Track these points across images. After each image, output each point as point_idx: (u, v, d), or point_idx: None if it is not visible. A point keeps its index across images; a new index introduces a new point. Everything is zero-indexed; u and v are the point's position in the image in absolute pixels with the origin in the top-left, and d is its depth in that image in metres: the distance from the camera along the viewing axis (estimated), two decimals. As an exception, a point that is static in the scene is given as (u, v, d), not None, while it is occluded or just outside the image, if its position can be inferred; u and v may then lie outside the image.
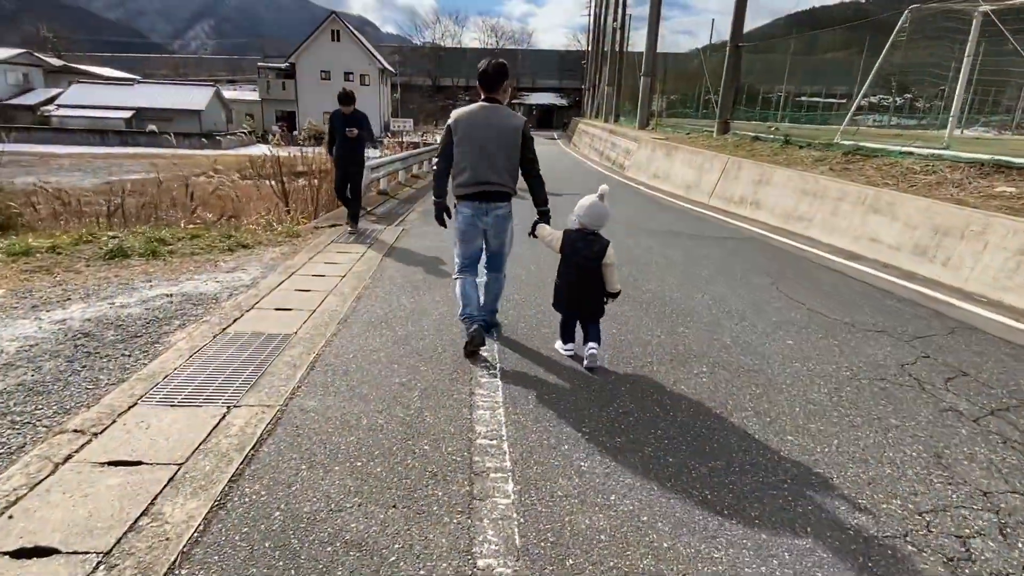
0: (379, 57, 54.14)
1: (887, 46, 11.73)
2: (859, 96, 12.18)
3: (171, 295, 4.75)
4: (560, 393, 3.19)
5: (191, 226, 7.87)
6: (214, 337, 3.83)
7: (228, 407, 2.91)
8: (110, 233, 6.63)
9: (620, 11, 37.82)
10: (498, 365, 3.53)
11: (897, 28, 11.38)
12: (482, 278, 3.96)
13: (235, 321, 4.15)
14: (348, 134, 7.28)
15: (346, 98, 7.36)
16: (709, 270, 6.11)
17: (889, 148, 10.15)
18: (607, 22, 46.14)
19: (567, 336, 3.69)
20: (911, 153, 9.52)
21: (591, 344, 3.46)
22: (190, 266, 5.68)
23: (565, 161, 25.20)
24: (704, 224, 9.22)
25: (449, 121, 3.63)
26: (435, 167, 3.87)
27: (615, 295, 3.49)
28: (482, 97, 3.61)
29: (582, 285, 3.44)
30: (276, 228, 7.86)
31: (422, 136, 44.02)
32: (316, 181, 11.58)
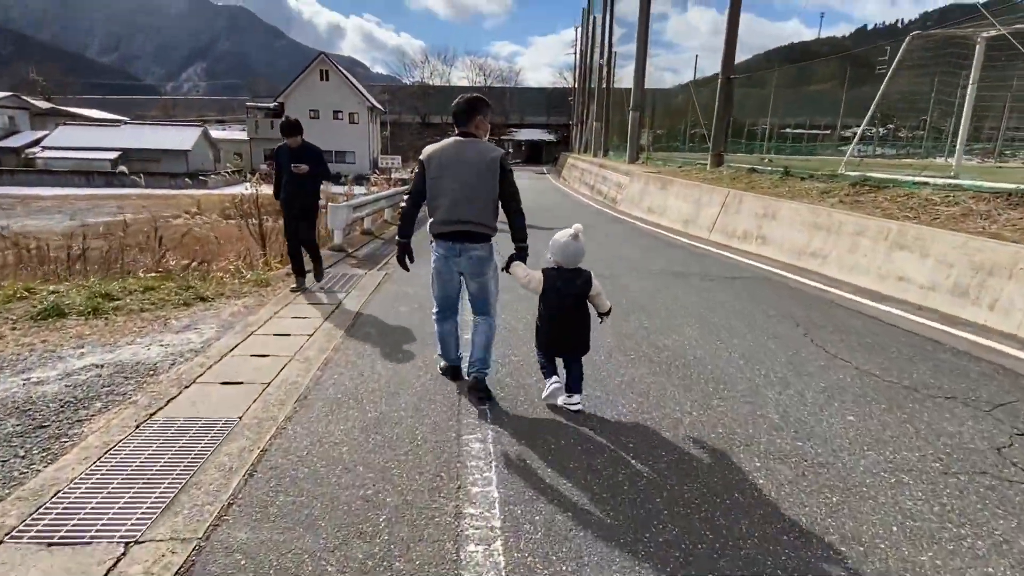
0: (368, 95, 54.33)
1: (888, 74, 11.36)
2: (863, 126, 11.78)
3: (102, 365, 3.98)
4: (582, 512, 2.41)
5: (151, 275, 7.12)
6: (137, 427, 3.06)
7: (126, 544, 2.13)
8: (49, 287, 5.87)
9: (607, 48, 38.11)
10: (493, 464, 2.77)
11: (900, 54, 11.02)
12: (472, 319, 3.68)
13: (169, 402, 3.38)
14: (295, 170, 5.97)
15: (290, 128, 6.04)
16: (729, 318, 5.41)
17: (900, 178, 9.63)
18: (593, 59, 46.65)
19: (550, 370, 3.49)
20: (926, 184, 8.99)
21: (574, 396, 3.36)
22: (135, 326, 4.92)
23: (555, 195, 24.78)
24: (709, 262, 8.58)
25: (421, 157, 3.42)
26: (402, 205, 3.70)
27: (607, 313, 3.42)
28: (456, 132, 3.43)
29: (567, 323, 3.32)
30: (245, 276, 7.13)
31: (411, 172, 43.79)
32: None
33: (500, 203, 3.41)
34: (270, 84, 59.48)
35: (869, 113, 11.62)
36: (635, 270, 7.67)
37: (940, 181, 8.97)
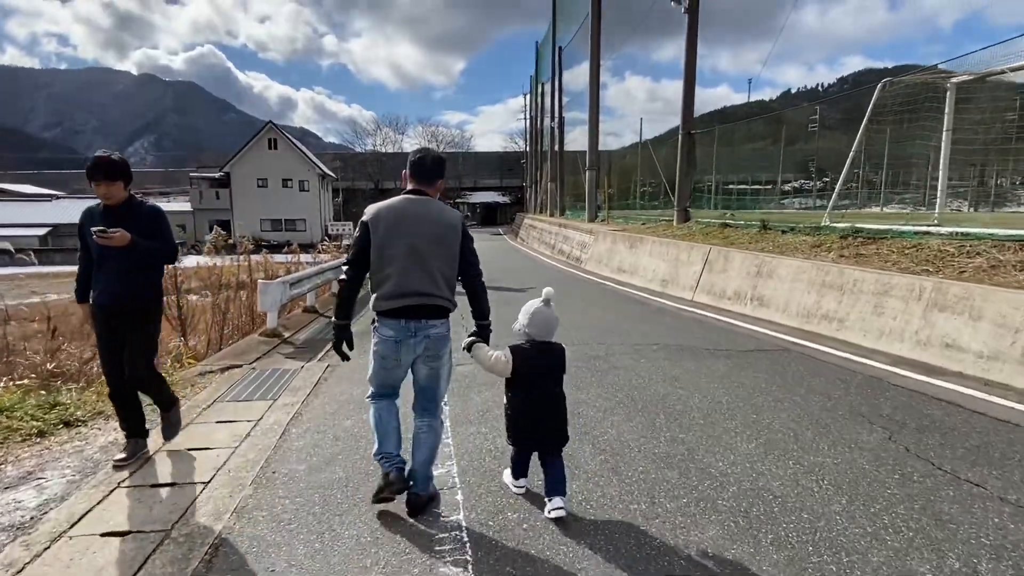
0: (318, 163, 53.45)
1: (863, 124, 10.88)
2: (843, 177, 11.22)
3: None
4: None
5: (17, 383, 5.49)
6: None
7: None
8: None
9: (558, 112, 38.52)
10: None
11: (872, 103, 10.57)
12: (420, 418, 3.02)
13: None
14: (101, 240, 3.21)
15: (104, 171, 3.29)
16: (782, 417, 4.18)
17: (897, 228, 8.89)
18: (543, 123, 47.31)
19: (521, 470, 3.03)
20: (928, 233, 8.24)
21: (557, 500, 2.76)
22: (-57, 479, 3.35)
23: (515, 256, 23.83)
24: (709, 330, 7.46)
25: (365, 217, 2.78)
26: (341, 278, 2.88)
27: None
28: (408, 188, 2.88)
29: (547, 408, 2.83)
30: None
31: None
32: (229, 295, 9.40)
33: (459, 273, 2.90)
34: (218, 154, 57.98)
35: (848, 162, 11.07)
36: (630, 345, 6.45)
37: (945, 230, 8.23)
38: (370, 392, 3.02)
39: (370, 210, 2.82)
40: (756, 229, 11.98)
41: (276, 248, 25.39)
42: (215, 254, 9.52)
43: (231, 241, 10.44)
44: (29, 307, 17.68)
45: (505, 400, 2.90)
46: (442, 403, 3.06)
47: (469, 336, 2.90)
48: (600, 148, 26.60)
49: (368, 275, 2.83)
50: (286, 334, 7.56)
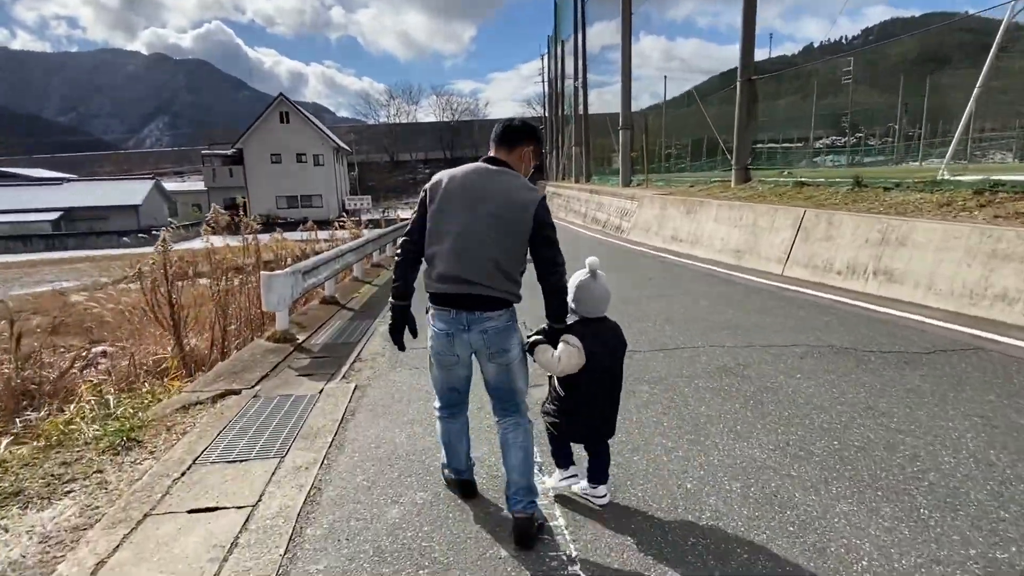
0: (332, 136, 51.72)
1: (991, 54, 8.85)
2: (962, 125, 9.28)
3: None
4: None
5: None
6: None
7: None
8: None
9: (582, 70, 36.16)
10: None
11: (1003, 27, 8.54)
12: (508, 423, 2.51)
13: None
14: None
15: None
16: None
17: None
18: (563, 86, 44.90)
19: (567, 458, 2.65)
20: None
21: (600, 487, 2.56)
22: None
23: (549, 228, 22.05)
24: (841, 319, 5.74)
25: (428, 184, 2.41)
26: (398, 252, 2.44)
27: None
28: (485, 156, 2.44)
29: (610, 394, 2.49)
30: (113, 410, 4.09)
31: (383, 213, 40.92)
32: (231, 284, 7.86)
33: (536, 269, 2.35)
34: (231, 132, 56.53)
35: (972, 101, 9.09)
36: (758, 346, 4.78)
37: None
38: (437, 405, 2.63)
39: (435, 177, 2.44)
40: (846, 187, 10.12)
41: (291, 226, 23.97)
42: (215, 235, 7.95)
43: (241, 219, 8.82)
44: (35, 297, 16.52)
45: (555, 390, 2.53)
46: (524, 400, 2.50)
47: (533, 334, 2.46)
48: (614, 111, 24.59)
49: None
50: (300, 337, 6.00)
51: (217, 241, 9.46)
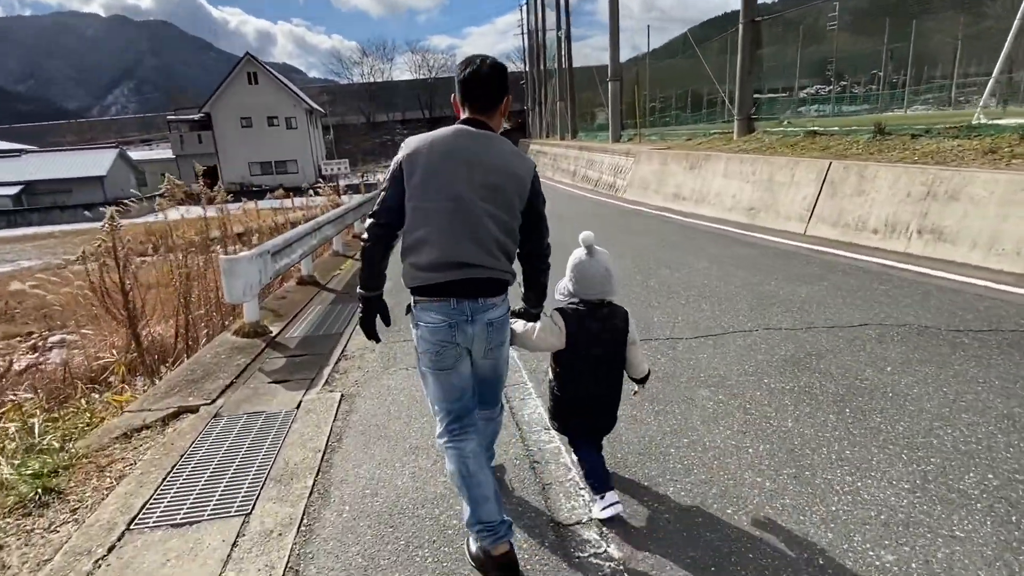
0: (304, 97, 49.46)
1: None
2: (1002, 59, 8.43)
3: None
4: None
5: None
6: None
7: None
8: None
9: (564, 20, 34.50)
10: None
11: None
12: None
13: None
14: None
15: None
16: None
17: None
18: (544, 38, 43.01)
19: (603, 480, 2.20)
20: None
21: (611, 495, 2.17)
22: None
23: (538, 189, 21.04)
24: (896, 286, 5.00)
25: (401, 153, 1.97)
26: (366, 233, 2.01)
27: (645, 380, 2.32)
28: (462, 117, 2.02)
29: (602, 386, 2.22)
30: (37, 439, 3.24)
31: (362, 177, 39.32)
32: (201, 261, 6.91)
33: (521, 244, 2.07)
34: (199, 96, 53.97)
35: (1012, 34, 8.21)
36: (820, 327, 4.01)
37: None
38: (441, 428, 2.05)
39: (408, 144, 1.97)
40: (867, 136, 9.28)
41: (261, 194, 22.67)
42: (170, 208, 6.97)
43: (201, 189, 7.80)
44: (-8, 278, 15.31)
45: (551, 378, 2.28)
46: (503, 393, 2.27)
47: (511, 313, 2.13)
48: (594, 65, 23.36)
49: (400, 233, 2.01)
50: (273, 329, 5.13)
51: (181, 214, 8.47)
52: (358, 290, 2.11)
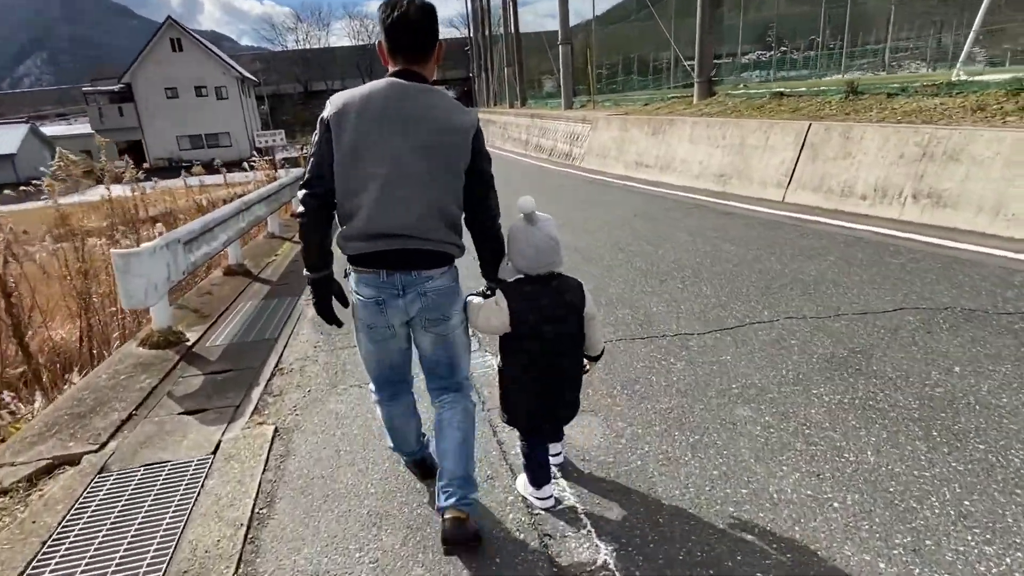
0: (235, 65, 46.33)
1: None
2: (978, 20, 8.03)
3: None
4: None
5: None
6: None
7: None
8: None
9: (509, -21, 33.07)
10: None
11: None
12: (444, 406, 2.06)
13: None
14: None
15: None
16: None
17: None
18: (488, 2, 41.40)
19: (542, 473, 2.08)
20: None
21: (554, 446, 2.24)
22: None
23: (490, 159, 20.10)
24: (908, 259, 4.48)
25: (326, 112, 1.77)
26: (300, 206, 1.84)
27: (598, 358, 2.10)
28: (392, 70, 1.81)
29: (557, 368, 1.97)
30: None
31: (302, 149, 37.23)
32: (104, 252, 5.80)
33: (467, 208, 1.92)
34: (118, 66, 49.85)
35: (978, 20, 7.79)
36: (837, 315, 3.42)
37: None
38: (373, 389, 2.10)
39: (334, 101, 1.77)
40: (839, 96, 8.82)
41: (176, 171, 20.85)
42: (61, 191, 5.83)
43: (103, 165, 6.64)
44: None
45: (499, 362, 2.03)
46: (466, 378, 2.06)
47: (474, 294, 2.01)
48: (540, 31, 22.43)
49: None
50: (191, 335, 4.19)
51: (101, 195, 7.26)
52: (304, 272, 1.92)
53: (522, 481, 2.17)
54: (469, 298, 2.01)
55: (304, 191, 1.80)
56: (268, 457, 2.54)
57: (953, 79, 7.75)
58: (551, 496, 2.09)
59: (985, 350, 2.84)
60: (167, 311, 4.05)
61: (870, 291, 3.80)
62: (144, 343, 3.96)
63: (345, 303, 1.94)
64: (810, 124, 7.46)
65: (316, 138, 1.80)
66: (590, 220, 7.05)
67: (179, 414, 3.06)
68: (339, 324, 2.00)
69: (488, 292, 2.01)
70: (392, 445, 2.23)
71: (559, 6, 21.51)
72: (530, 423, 2.05)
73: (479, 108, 42.94)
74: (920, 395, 2.50)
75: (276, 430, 2.78)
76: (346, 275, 1.90)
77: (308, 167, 1.83)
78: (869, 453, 2.14)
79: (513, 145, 23.29)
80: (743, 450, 2.22)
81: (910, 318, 3.30)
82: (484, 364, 3.26)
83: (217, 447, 2.68)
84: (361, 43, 72.69)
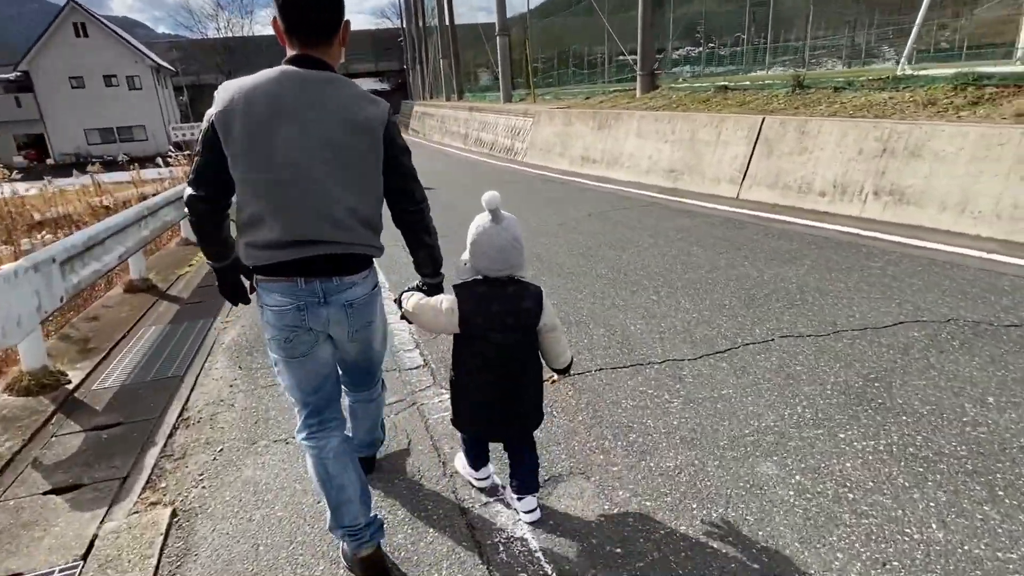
0: (149, 53, 43.19)
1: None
2: (920, 16, 8.00)
3: None
4: None
5: None
6: None
7: None
8: None
9: (443, -31, 32.18)
10: None
11: None
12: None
13: None
14: None
15: None
16: None
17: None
18: (423, -10, 40.28)
19: (479, 456, 2.09)
20: None
21: (528, 499, 1.95)
22: None
23: (421, 152, 19.40)
24: (888, 263, 4.23)
25: (212, 109, 1.56)
26: (186, 208, 1.68)
27: (566, 370, 1.95)
28: (289, 56, 1.62)
29: (509, 378, 1.84)
30: None
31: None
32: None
33: (390, 205, 1.79)
34: (14, 52, 45.62)
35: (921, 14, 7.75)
36: (836, 333, 3.06)
37: None
38: (301, 419, 1.81)
39: (220, 96, 1.56)
40: (785, 90, 8.72)
41: (109, 165, 19.08)
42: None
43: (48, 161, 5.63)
44: None
45: (451, 368, 1.92)
46: (380, 370, 2.08)
47: (405, 290, 1.92)
48: (474, 23, 21.95)
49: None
50: (74, 374, 3.41)
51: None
52: (207, 262, 1.85)
53: (460, 460, 2.14)
54: (406, 293, 1.90)
55: (190, 192, 1.62)
56: (159, 561, 1.90)
57: (898, 74, 7.72)
58: (489, 476, 2.08)
59: (1011, 374, 2.52)
60: (40, 347, 3.27)
61: (860, 301, 3.47)
62: (10, 389, 3.17)
63: (253, 289, 1.76)
64: (764, 118, 7.24)
65: (200, 138, 1.59)
66: (543, 221, 6.57)
67: (45, 493, 2.35)
68: (246, 301, 1.90)
69: (422, 287, 1.91)
70: (331, 520, 1.80)
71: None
72: (479, 431, 1.95)
73: (416, 100, 41.96)
74: (963, 437, 2.13)
75: (174, 514, 2.13)
76: (253, 282, 1.74)
77: (194, 167, 1.63)
78: (934, 526, 1.73)
79: (452, 139, 22.61)
80: (781, 527, 1.77)
81: (915, 334, 2.97)
82: (443, 407, 2.70)
83: (90, 546, 2.01)
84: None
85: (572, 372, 2.80)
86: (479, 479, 2.14)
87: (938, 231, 4.99)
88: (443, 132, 24.84)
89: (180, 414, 2.91)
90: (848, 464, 2.03)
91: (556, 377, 2.02)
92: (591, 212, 6.99)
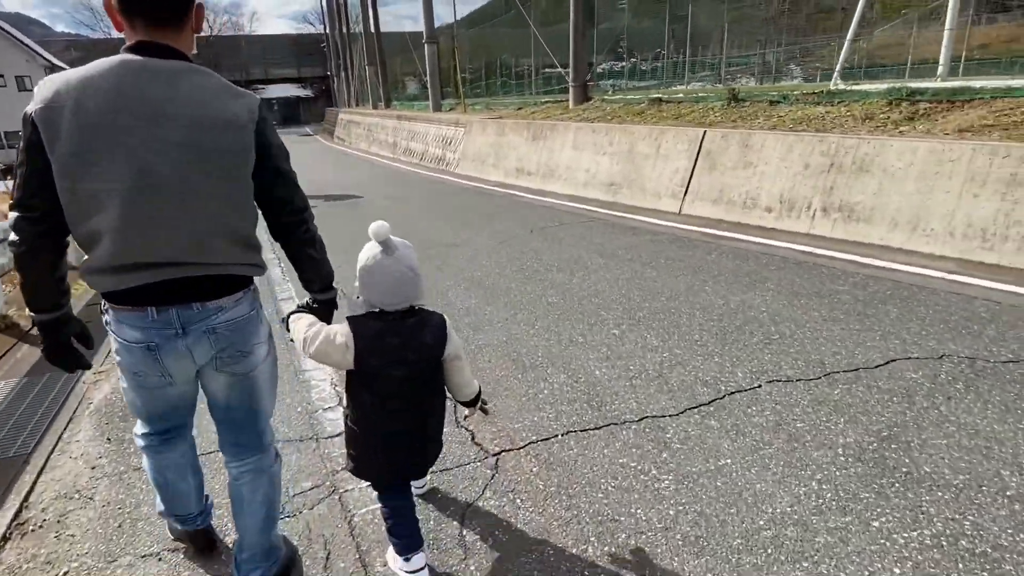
0: (43, 52, 39.75)
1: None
2: (853, 27, 8.11)
3: None
4: None
5: None
6: None
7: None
8: None
9: (367, -26, 31.26)
10: None
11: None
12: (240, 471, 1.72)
13: None
14: None
15: None
16: None
17: (994, 85, 6.03)
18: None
19: (411, 535, 1.73)
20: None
21: (417, 556, 1.72)
22: None
23: (346, 162, 18.53)
24: (857, 286, 3.99)
25: (32, 107, 1.27)
26: (12, 233, 1.38)
27: (475, 403, 1.80)
28: (128, 43, 1.36)
29: (414, 410, 1.68)
30: None
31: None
32: None
33: (266, 216, 1.56)
34: None
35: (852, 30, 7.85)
36: (827, 375, 2.71)
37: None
38: (140, 432, 1.71)
39: (42, 91, 1.27)
40: (720, 103, 8.66)
41: None
42: None
43: None
44: None
45: (344, 405, 1.81)
46: (269, 428, 1.70)
47: (293, 311, 1.71)
48: (400, 31, 21.43)
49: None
50: None
51: None
52: (27, 312, 1.75)
53: (391, 555, 1.80)
54: (293, 316, 1.69)
55: (17, 215, 1.35)
56: None
57: (832, 88, 7.76)
58: (424, 567, 1.73)
59: (1034, 426, 2.21)
60: None
61: (841, 334, 3.15)
62: None
63: (90, 342, 1.58)
64: (705, 132, 7.04)
65: (22, 143, 1.33)
66: (483, 240, 6.05)
67: None
68: (86, 366, 1.60)
69: (313, 304, 1.71)
70: (162, 509, 1.82)
71: (424, 5, 20.34)
72: (380, 475, 1.76)
73: (341, 108, 40.67)
74: (1014, 519, 1.76)
75: None
76: (103, 310, 1.49)
77: (17, 181, 1.37)
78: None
79: (380, 148, 21.76)
80: None
81: (912, 375, 2.64)
82: (373, 496, 2.12)
83: None
84: (203, 34, 66.29)
85: (536, 438, 2.29)
86: (412, 572, 1.72)
87: (890, 248, 4.85)
88: (370, 141, 23.94)
89: (16, 515, 2.18)
90: (897, 571, 1.61)
91: (467, 412, 1.82)
92: (532, 228, 6.54)
